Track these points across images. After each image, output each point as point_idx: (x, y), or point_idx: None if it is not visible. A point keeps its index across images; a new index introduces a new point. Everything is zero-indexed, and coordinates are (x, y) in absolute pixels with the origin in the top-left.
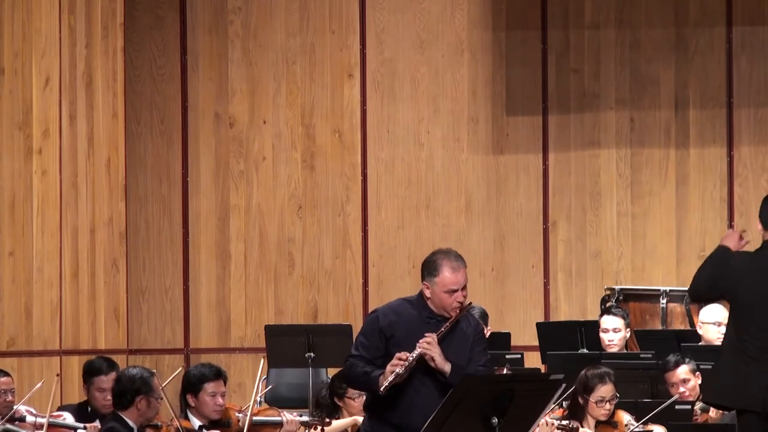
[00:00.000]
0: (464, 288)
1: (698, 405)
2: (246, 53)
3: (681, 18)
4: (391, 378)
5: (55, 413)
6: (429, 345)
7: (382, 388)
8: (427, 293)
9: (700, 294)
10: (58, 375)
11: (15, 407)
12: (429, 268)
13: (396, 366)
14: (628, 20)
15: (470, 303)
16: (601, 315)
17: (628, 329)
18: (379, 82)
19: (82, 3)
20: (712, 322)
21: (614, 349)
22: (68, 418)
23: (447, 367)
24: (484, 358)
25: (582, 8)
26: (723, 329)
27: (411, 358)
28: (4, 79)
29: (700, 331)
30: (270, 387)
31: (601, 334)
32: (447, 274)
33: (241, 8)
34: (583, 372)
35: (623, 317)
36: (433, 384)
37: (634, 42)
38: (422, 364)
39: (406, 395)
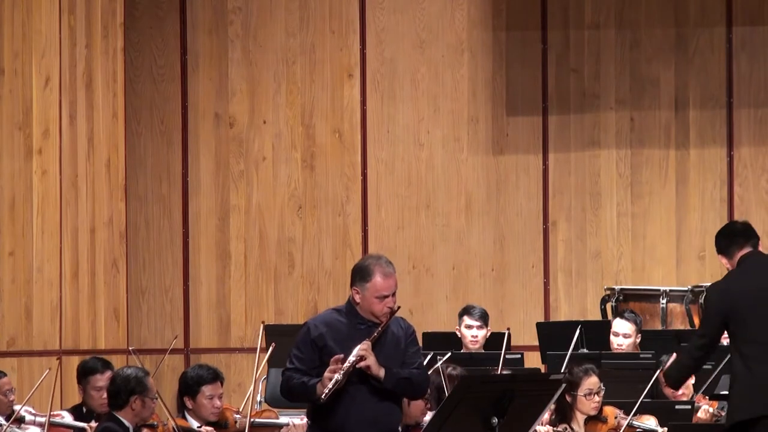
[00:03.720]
0: (394, 294)
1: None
2: (246, 53)
3: (681, 18)
4: (330, 385)
5: (54, 413)
6: (365, 352)
7: (323, 396)
8: (357, 298)
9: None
10: (50, 369)
11: (19, 407)
12: (361, 274)
13: (334, 372)
14: (628, 20)
15: (399, 307)
16: (614, 317)
17: (639, 334)
18: (379, 82)
19: (82, 3)
20: None
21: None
22: (67, 418)
23: (381, 373)
24: (417, 359)
25: (582, 8)
26: None
27: (348, 364)
28: (4, 79)
29: None
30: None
31: (612, 337)
32: (379, 280)
33: (241, 8)
34: (566, 369)
35: (635, 323)
36: (369, 390)
37: (634, 42)
38: (357, 370)
39: (342, 402)
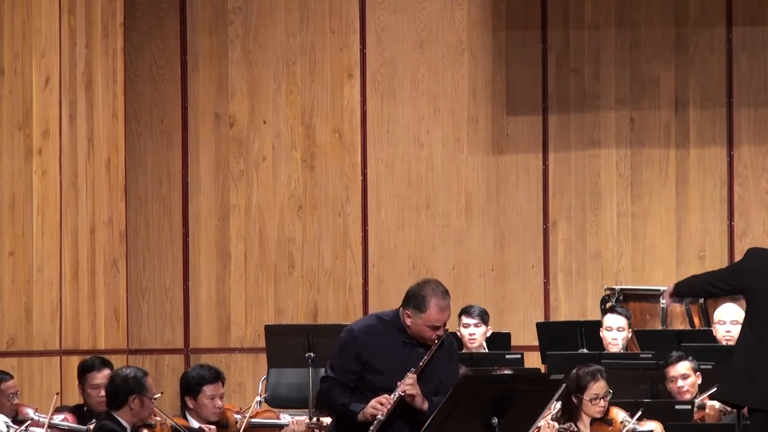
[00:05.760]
0: (445, 323)
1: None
2: (246, 53)
3: (681, 18)
4: (373, 427)
5: (56, 415)
6: (410, 386)
7: None
8: (408, 322)
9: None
10: (57, 393)
11: (27, 411)
12: (416, 302)
13: (378, 411)
14: (628, 20)
15: (447, 330)
16: (604, 314)
17: (630, 329)
18: (379, 82)
19: (82, 3)
20: (717, 321)
21: (616, 349)
22: (69, 419)
23: (425, 406)
24: (455, 383)
25: (582, 8)
26: (726, 327)
27: (392, 400)
28: (4, 79)
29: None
30: (262, 398)
31: (604, 333)
32: (433, 313)
33: (241, 8)
34: (574, 371)
35: (627, 316)
36: (403, 410)
37: (634, 42)
38: (401, 401)
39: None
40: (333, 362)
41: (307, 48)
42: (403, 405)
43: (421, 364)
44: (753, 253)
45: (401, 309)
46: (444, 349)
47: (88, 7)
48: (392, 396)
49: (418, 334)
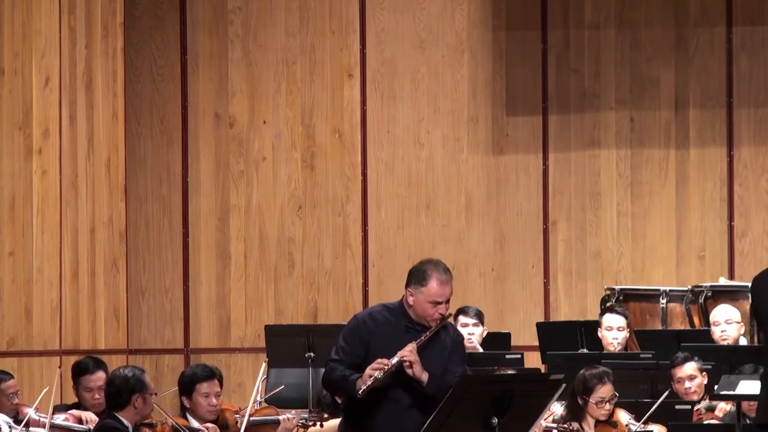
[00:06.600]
0: (447, 301)
1: (703, 404)
2: (246, 53)
3: (681, 18)
4: (369, 382)
5: (56, 414)
6: (410, 353)
7: (360, 392)
8: (410, 300)
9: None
10: (59, 367)
11: (27, 410)
12: (417, 277)
13: (375, 370)
14: (628, 20)
15: (450, 314)
16: (602, 314)
17: (629, 328)
18: (379, 82)
19: (82, 3)
20: (713, 322)
21: (615, 348)
22: (71, 419)
23: (424, 377)
24: (460, 369)
25: (582, 8)
26: (722, 327)
27: (391, 364)
28: (4, 79)
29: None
30: (280, 388)
31: (604, 333)
32: (434, 286)
33: (241, 8)
34: (581, 372)
35: (625, 316)
36: (410, 397)
37: (634, 42)
38: (401, 374)
39: (383, 407)
40: (337, 346)
41: (307, 48)
42: (407, 381)
43: (422, 338)
44: (754, 284)
45: (405, 292)
46: (449, 334)
47: (88, 7)
48: (391, 360)
49: (420, 313)
